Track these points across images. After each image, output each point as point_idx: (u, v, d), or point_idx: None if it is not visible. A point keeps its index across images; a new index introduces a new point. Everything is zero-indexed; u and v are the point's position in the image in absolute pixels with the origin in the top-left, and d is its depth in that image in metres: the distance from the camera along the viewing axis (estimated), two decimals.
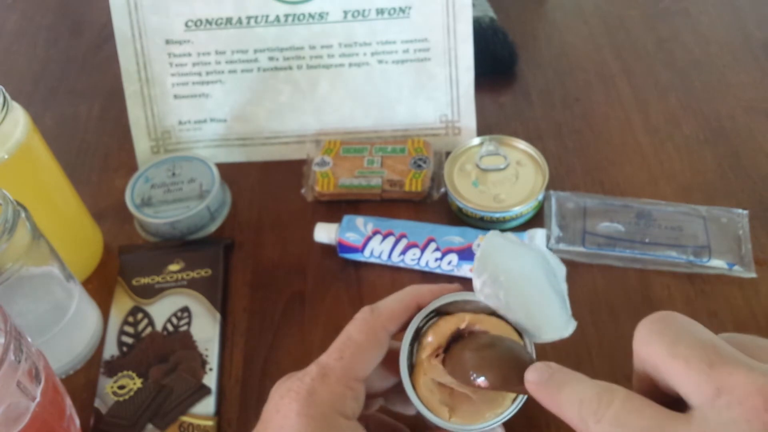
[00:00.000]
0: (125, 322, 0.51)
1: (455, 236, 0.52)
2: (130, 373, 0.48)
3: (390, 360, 0.35)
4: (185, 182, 0.58)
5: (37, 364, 0.37)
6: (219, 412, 0.46)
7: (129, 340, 0.50)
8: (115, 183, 0.61)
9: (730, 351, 0.26)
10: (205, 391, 0.46)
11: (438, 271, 0.52)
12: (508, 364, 0.32)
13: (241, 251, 0.56)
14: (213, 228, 0.57)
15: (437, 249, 0.51)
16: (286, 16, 0.59)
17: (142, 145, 0.62)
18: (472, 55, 0.59)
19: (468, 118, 0.61)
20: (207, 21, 0.59)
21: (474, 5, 0.59)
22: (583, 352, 0.47)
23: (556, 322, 0.35)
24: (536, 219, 0.55)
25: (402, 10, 0.59)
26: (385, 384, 0.37)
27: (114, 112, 0.68)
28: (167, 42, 0.60)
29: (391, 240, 0.52)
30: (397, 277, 0.53)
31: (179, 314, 0.51)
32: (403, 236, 0.52)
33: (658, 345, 0.27)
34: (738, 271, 0.50)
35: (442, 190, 0.58)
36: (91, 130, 0.68)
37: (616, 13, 0.75)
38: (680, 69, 0.68)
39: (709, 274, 0.51)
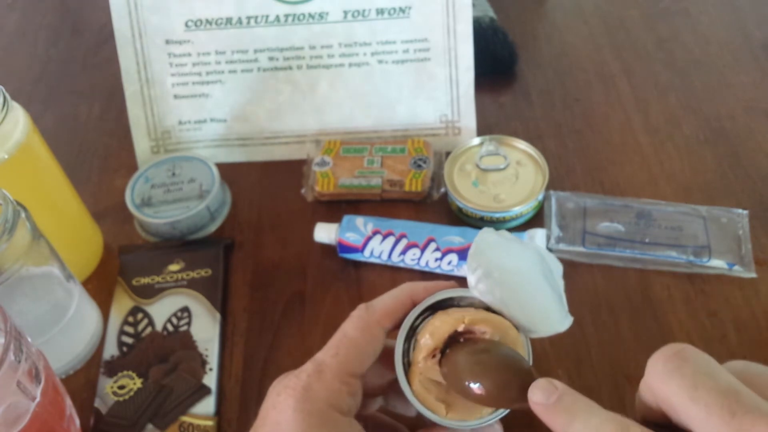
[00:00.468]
0: (125, 322, 0.51)
1: (455, 236, 0.52)
2: (130, 373, 0.48)
3: (387, 357, 0.35)
4: (185, 182, 0.58)
5: (37, 364, 0.37)
6: (219, 412, 0.46)
7: (129, 340, 0.50)
8: (115, 183, 0.61)
9: (752, 399, 0.25)
10: (205, 391, 0.46)
11: (438, 271, 0.52)
12: (508, 382, 0.31)
13: (241, 251, 0.56)
14: (213, 228, 0.57)
15: (437, 249, 0.51)
16: (286, 16, 0.59)
17: (142, 145, 0.62)
18: (472, 55, 0.59)
19: (468, 118, 0.61)
20: (207, 21, 0.59)
21: (474, 5, 0.59)
22: (583, 352, 0.47)
23: (552, 316, 0.34)
24: (536, 219, 0.55)
25: (402, 10, 0.59)
26: (383, 381, 0.37)
27: (114, 112, 0.68)
28: (167, 42, 0.60)
29: (391, 240, 0.52)
30: (397, 277, 0.53)
31: (179, 314, 0.51)
32: (403, 236, 0.52)
33: (677, 386, 0.26)
34: (738, 271, 0.50)
35: (442, 190, 0.58)
36: (91, 130, 0.68)
37: (616, 13, 0.75)
38: (680, 69, 0.68)
39: (709, 274, 0.51)
